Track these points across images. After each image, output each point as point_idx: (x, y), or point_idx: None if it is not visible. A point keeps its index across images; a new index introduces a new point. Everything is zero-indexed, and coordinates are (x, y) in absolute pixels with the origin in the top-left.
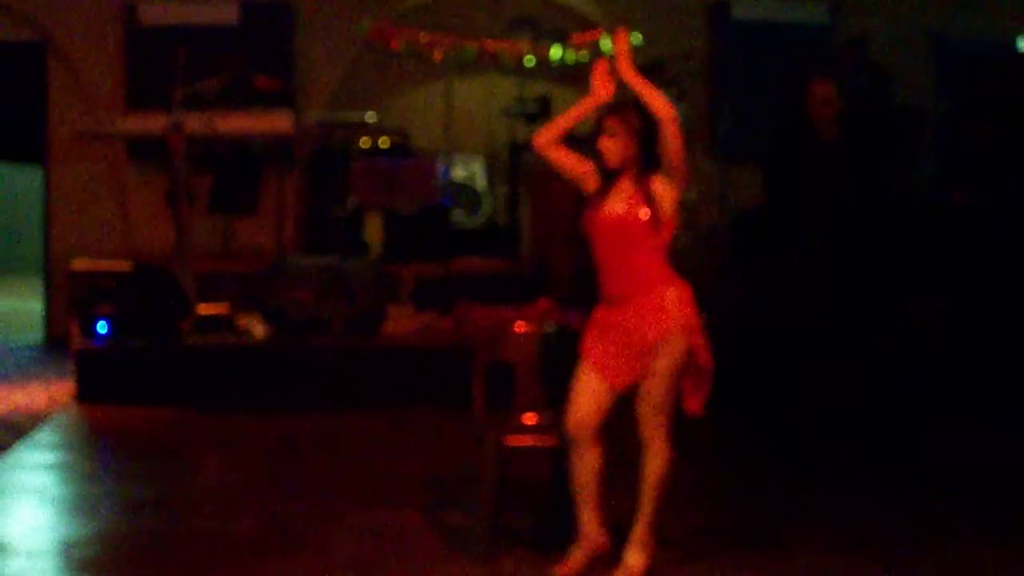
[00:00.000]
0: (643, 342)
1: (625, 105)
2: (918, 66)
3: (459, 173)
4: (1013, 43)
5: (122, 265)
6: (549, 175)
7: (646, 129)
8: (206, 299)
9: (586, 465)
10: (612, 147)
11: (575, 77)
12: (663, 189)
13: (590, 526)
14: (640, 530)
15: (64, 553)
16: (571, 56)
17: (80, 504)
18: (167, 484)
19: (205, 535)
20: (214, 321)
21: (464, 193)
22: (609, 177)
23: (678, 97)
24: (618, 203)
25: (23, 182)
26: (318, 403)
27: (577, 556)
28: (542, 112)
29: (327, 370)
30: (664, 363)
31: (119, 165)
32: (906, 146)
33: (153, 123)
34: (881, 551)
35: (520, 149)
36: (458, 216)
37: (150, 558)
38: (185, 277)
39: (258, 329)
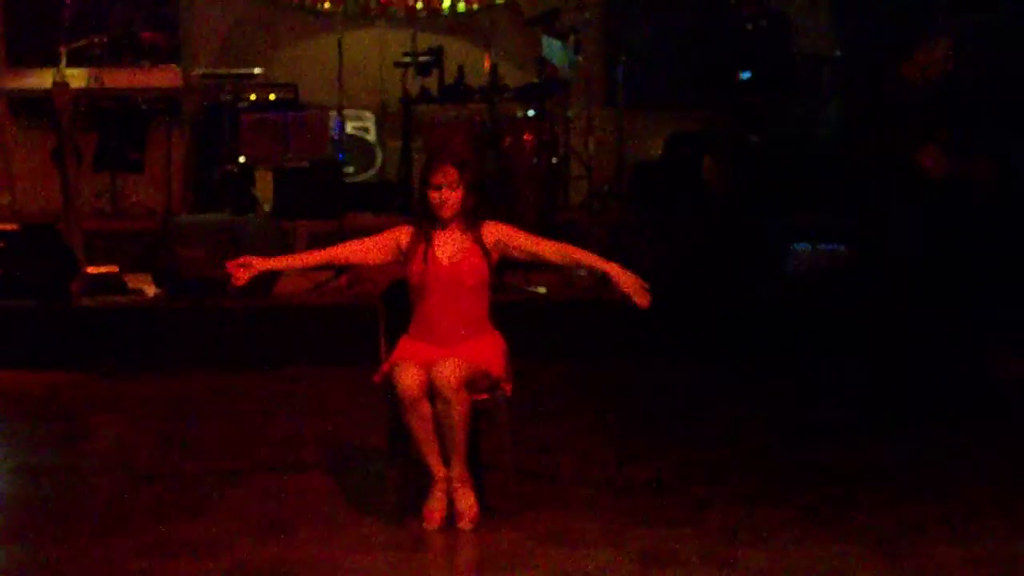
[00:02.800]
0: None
1: (458, 156)
2: (814, 14)
3: (350, 127)
4: None
5: (8, 225)
6: (442, 127)
7: (477, 179)
8: (95, 259)
9: (421, 418)
10: (451, 198)
11: (466, 28)
12: (493, 236)
13: (438, 468)
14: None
15: None
16: (462, 6)
17: None
18: (63, 449)
19: (108, 500)
20: (104, 281)
21: (356, 147)
22: (427, 224)
23: (575, 48)
24: (450, 253)
25: None
26: (213, 364)
27: (438, 499)
28: (435, 63)
29: (221, 330)
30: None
31: (1, 123)
32: (805, 91)
33: (37, 80)
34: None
35: (412, 102)
36: (349, 171)
37: (53, 525)
38: (74, 237)
39: (150, 289)
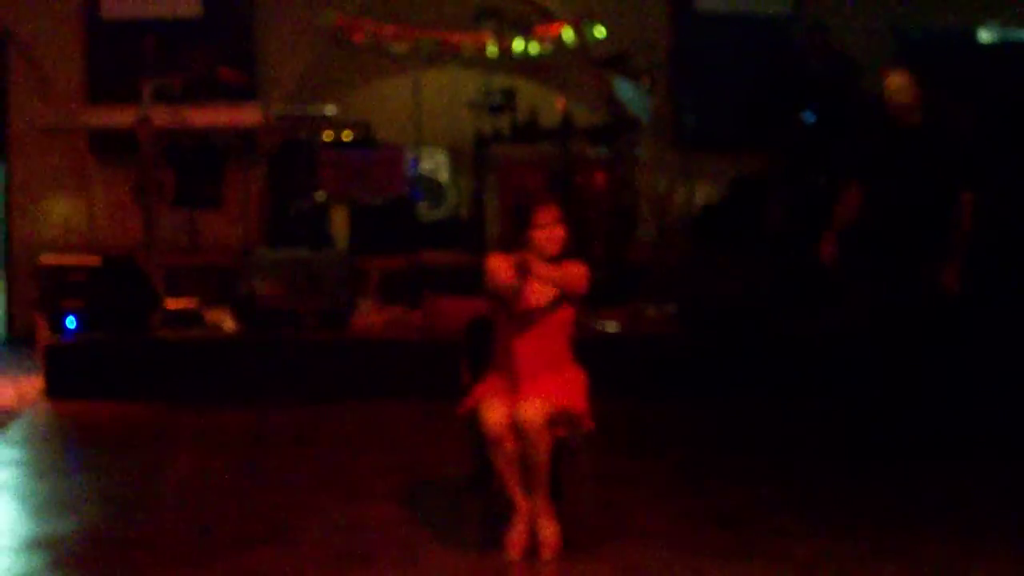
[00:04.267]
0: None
1: (553, 195)
2: (880, 57)
3: (423, 165)
4: (974, 34)
5: (91, 259)
6: (515, 167)
7: (562, 216)
8: (173, 293)
9: (505, 453)
10: (556, 235)
11: (539, 69)
12: (578, 273)
13: (520, 499)
14: (541, 501)
15: (49, 549)
16: (535, 48)
17: (57, 500)
18: (143, 479)
19: (187, 530)
20: (183, 315)
21: (428, 185)
22: (523, 261)
23: (648, 89)
24: (536, 290)
25: None
26: (289, 397)
27: (520, 530)
28: (507, 104)
29: (297, 364)
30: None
31: (81, 159)
32: None
33: (119, 116)
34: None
35: (485, 141)
36: (421, 209)
37: (133, 554)
38: (153, 271)
39: (227, 323)
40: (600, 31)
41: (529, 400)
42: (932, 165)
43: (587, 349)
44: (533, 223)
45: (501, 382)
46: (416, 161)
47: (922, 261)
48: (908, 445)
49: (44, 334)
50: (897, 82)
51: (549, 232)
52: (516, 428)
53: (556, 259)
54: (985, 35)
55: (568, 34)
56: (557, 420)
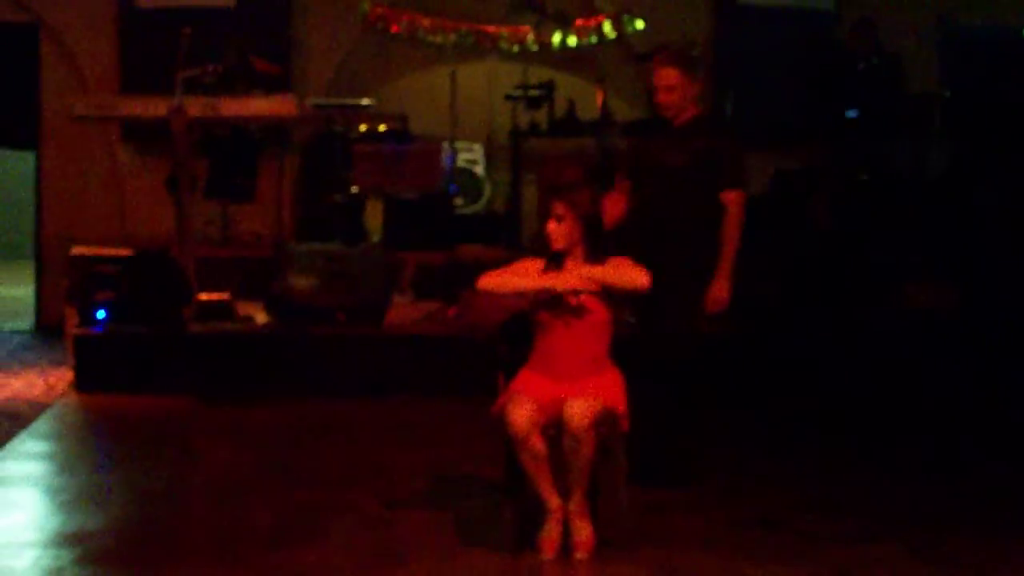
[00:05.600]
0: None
1: (571, 188)
2: (923, 53)
3: (460, 159)
4: (1019, 30)
5: (123, 251)
6: (553, 161)
7: (592, 212)
8: (206, 286)
9: (533, 452)
10: (559, 231)
11: (578, 61)
12: (630, 272)
13: (552, 499)
14: (578, 501)
15: (78, 544)
16: (573, 40)
17: (88, 495)
18: (175, 474)
19: (221, 526)
20: (215, 308)
21: (464, 179)
22: (555, 258)
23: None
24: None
25: (15, 167)
26: (322, 392)
27: (553, 529)
28: (546, 97)
29: (331, 359)
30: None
31: (113, 149)
32: (915, 129)
33: (152, 107)
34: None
35: (522, 135)
36: (458, 203)
37: (167, 549)
38: (186, 263)
39: (260, 317)
40: (640, 24)
41: (578, 399)
42: (691, 163)
43: (621, 348)
44: (543, 214)
45: (536, 380)
46: (453, 155)
47: (680, 273)
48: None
49: (74, 326)
50: (661, 74)
51: (550, 227)
52: (562, 427)
53: (582, 259)
54: None
55: (608, 27)
56: (601, 420)
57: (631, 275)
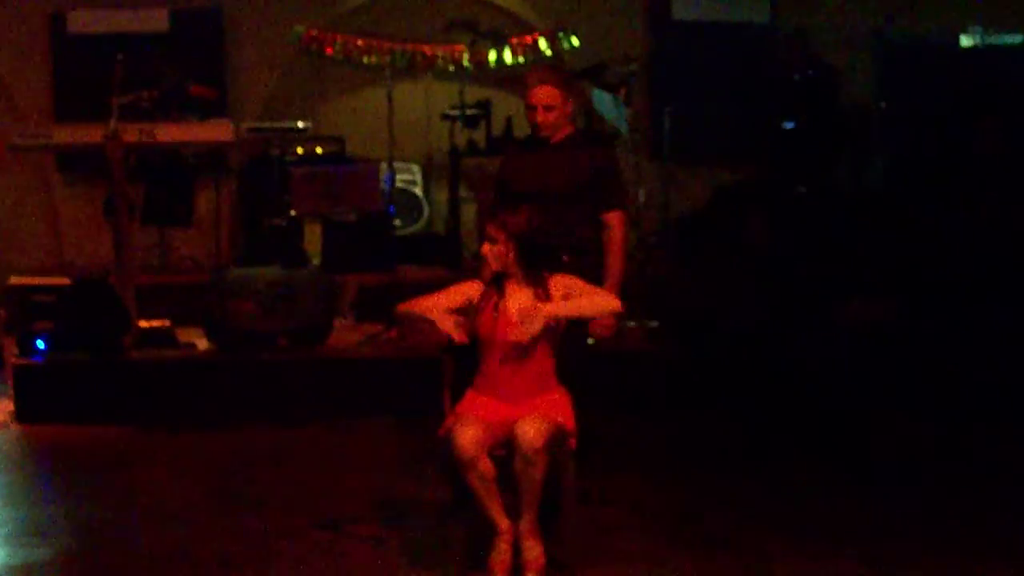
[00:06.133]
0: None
1: (503, 210)
2: (859, 65)
3: (398, 179)
4: (955, 40)
5: (60, 280)
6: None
7: (527, 233)
8: (145, 313)
9: (480, 475)
10: (492, 252)
11: (514, 80)
12: (561, 291)
13: (501, 520)
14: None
15: None
16: (509, 58)
17: (32, 527)
18: (121, 504)
19: (167, 555)
20: (156, 335)
21: (403, 200)
22: (495, 280)
23: (625, 102)
24: (517, 308)
25: None
26: (266, 417)
27: (503, 551)
28: (483, 115)
29: (273, 383)
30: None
31: (48, 177)
32: (853, 141)
33: (87, 134)
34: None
35: (460, 155)
36: (397, 224)
37: None
38: (126, 291)
39: (201, 343)
40: (575, 41)
41: (528, 420)
42: (573, 184)
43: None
44: (481, 235)
45: (482, 401)
46: (391, 176)
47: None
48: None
49: (12, 356)
50: (539, 93)
51: (490, 248)
52: (514, 448)
53: (523, 279)
54: (967, 40)
55: (543, 44)
56: (552, 440)
57: (604, 303)
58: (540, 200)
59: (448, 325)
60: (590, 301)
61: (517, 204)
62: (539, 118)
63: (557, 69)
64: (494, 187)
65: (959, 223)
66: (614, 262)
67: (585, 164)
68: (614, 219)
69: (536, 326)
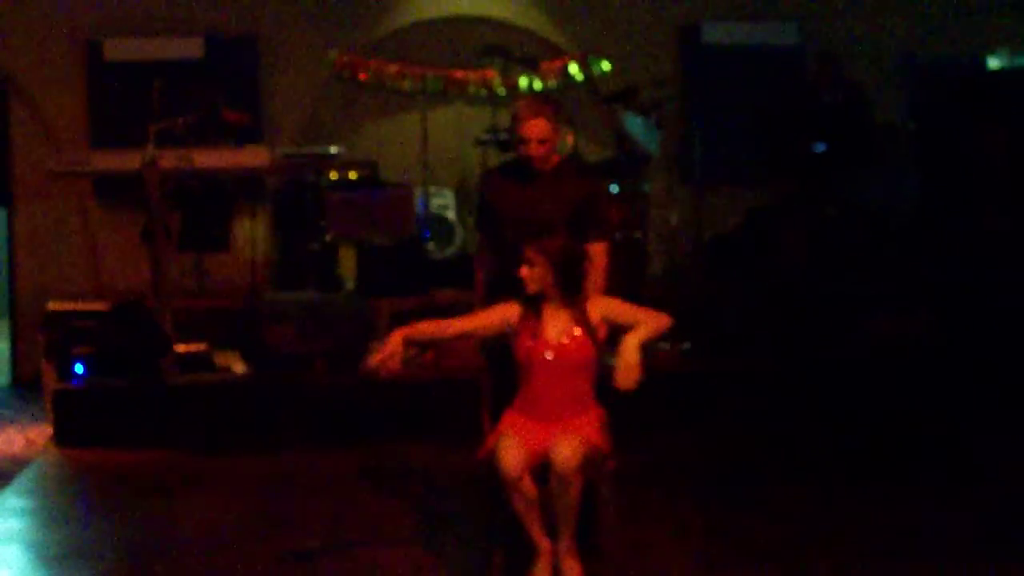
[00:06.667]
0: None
1: (543, 235)
2: (888, 86)
3: (431, 204)
4: (983, 62)
5: (99, 305)
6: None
7: (563, 257)
8: (182, 337)
9: (524, 495)
10: (530, 276)
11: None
12: (599, 312)
13: (542, 540)
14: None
15: None
16: (539, 84)
17: (73, 550)
18: (160, 527)
19: None
20: (193, 359)
21: (437, 224)
22: (531, 302)
23: (657, 125)
24: (555, 331)
25: None
26: (304, 440)
27: (544, 571)
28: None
29: (310, 407)
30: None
31: (86, 203)
32: (883, 162)
33: (124, 160)
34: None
35: None
36: (430, 248)
37: None
38: (163, 315)
39: (238, 367)
40: (606, 65)
41: (564, 441)
42: (562, 214)
43: (603, 386)
44: (523, 259)
45: (522, 422)
46: (424, 200)
47: None
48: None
49: (52, 380)
50: (533, 127)
51: (528, 271)
52: (550, 469)
53: (561, 302)
54: (995, 62)
55: (574, 69)
56: (588, 460)
57: (660, 323)
58: (532, 228)
59: (379, 355)
60: (654, 322)
61: (552, 229)
62: (532, 151)
63: (550, 101)
64: (476, 210)
65: (987, 240)
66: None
67: (573, 194)
68: (597, 250)
69: (638, 368)
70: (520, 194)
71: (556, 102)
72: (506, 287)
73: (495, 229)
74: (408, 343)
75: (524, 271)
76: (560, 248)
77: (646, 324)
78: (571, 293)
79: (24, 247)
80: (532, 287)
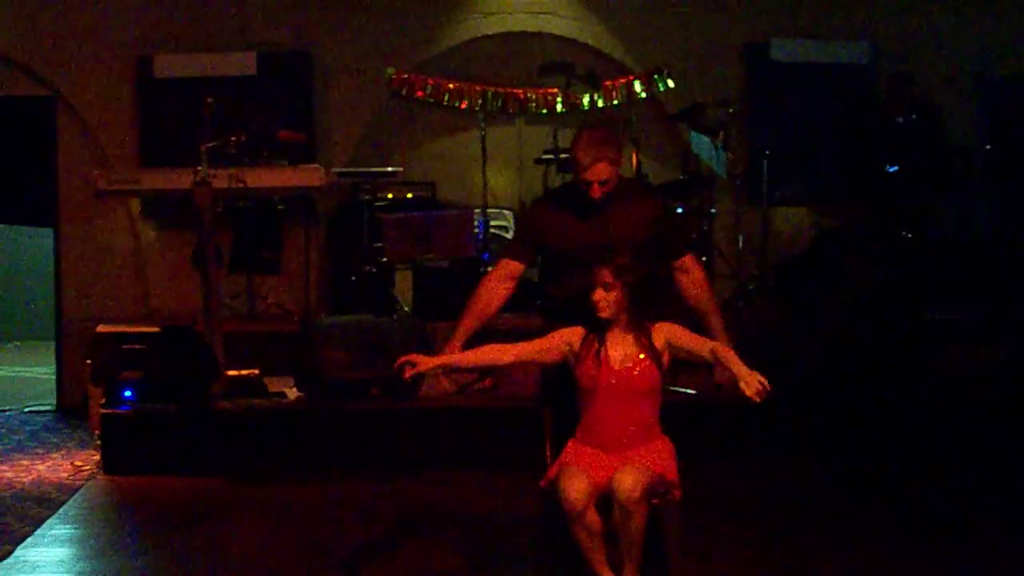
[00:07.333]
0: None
1: (617, 257)
2: (961, 106)
3: (491, 225)
4: None
5: (148, 328)
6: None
7: (639, 280)
8: (233, 362)
9: (588, 527)
10: (607, 299)
11: (609, 123)
12: (663, 338)
13: (605, 572)
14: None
15: None
16: (601, 102)
17: None
18: (210, 556)
19: None
20: (245, 384)
21: (496, 246)
22: (599, 326)
23: (724, 145)
24: (621, 356)
25: (32, 245)
26: (357, 468)
27: None
28: None
29: (365, 433)
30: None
31: (133, 223)
32: (957, 185)
33: (176, 180)
34: None
35: None
36: (489, 270)
37: None
38: (214, 339)
39: (291, 392)
40: (671, 83)
41: (627, 470)
42: (633, 236)
43: (666, 414)
44: (589, 282)
45: (585, 451)
46: (484, 221)
47: None
48: None
49: (99, 405)
50: (597, 171)
51: (597, 295)
52: (612, 499)
53: (627, 327)
54: None
55: (638, 86)
56: (652, 490)
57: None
58: (598, 252)
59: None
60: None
61: (623, 251)
62: (596, 193)
63: (607, 140)
64: (517, 241)
65: None
66: (709, 303)
67: (641, 216)
68: (688, 262)
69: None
70: (581, 220)
71: (616, 136)
72: (566, 312)
73: (549, 256)
74: (452, 371)
75: (599, 294)
76: (639, 270)
77: (720, 345)
78: (643, 317)
79: (70, 269)
80: (606, 312)
